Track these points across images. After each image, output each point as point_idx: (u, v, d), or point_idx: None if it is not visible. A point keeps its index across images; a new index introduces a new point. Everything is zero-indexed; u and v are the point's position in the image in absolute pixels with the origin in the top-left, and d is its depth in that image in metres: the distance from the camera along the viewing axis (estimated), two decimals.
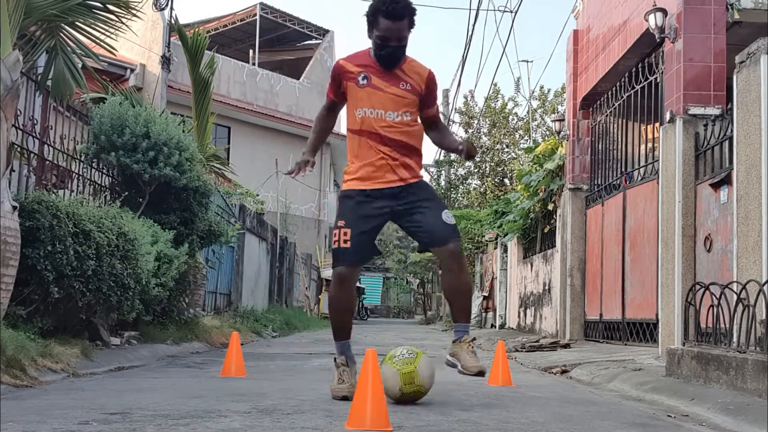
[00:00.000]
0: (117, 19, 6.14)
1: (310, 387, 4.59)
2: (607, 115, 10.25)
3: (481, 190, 27.11)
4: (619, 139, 9.81)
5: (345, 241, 3.84)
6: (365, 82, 3.93)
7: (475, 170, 27.87)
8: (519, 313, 15.12)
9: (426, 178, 29.66)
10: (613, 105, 9.90)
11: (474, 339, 4.03)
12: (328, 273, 24.72)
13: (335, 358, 4.02)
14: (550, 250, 12.43)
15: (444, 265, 3.98)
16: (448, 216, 3.90)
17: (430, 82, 4.01)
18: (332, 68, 4.07)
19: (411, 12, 3.89)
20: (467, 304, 3.99)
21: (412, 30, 3.93)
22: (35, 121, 6.14)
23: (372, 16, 3.89)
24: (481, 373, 3.86)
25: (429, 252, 4.10)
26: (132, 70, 14.06)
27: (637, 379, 5.23)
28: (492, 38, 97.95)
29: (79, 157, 7.04)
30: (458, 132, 28.35)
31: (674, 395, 4.41)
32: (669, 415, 3.84)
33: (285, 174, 4.62)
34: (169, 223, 7.72)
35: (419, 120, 4.08)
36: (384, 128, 3.89)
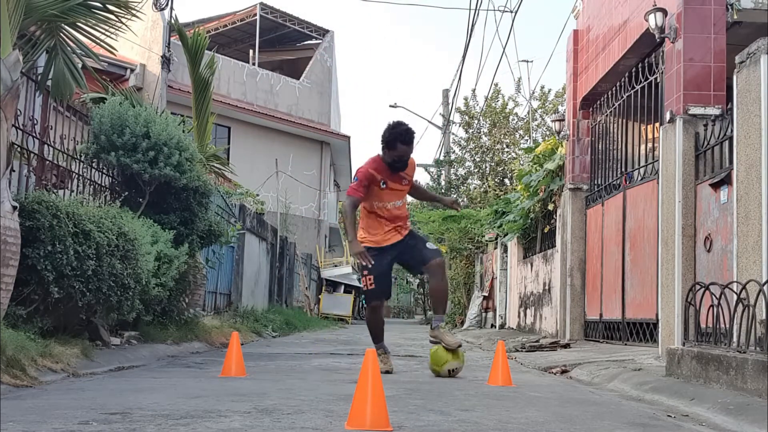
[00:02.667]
0: (117, 19, 6.14)
1: (310, 387, 4.59)
2: (607, 115, 10.25)
3: (482, 189, 27.11)
4: (619, 139, 9.81)
5: (371, 284, 5.68)
6: (385, 186, 5.72)
7: (476, 170, 27.88)
8: (519, 313, 15.12)
9: (426, 178, 29.76)
10: (613, 105, 9.90)
11: (446, 324, 5.79)
12: (328, 273, 24.78)
13: (380, 350, 5.77)
14: (550, 250, 12.43)
15: (432, 274, 5.88)
16: (430, 244, 5.93)
17: (412, 166, 5.85)
18: (363, 174, 5.68)
19: (414, 138, 5.73)
20: (445, 301, 5.96)
21: None
22: (35, 121, 6.14)
23: (391, 142, 5.63)
24: (459, 346, 5.61)
25: (424, 274, 6.31)
26: (132, 70, 14.06)
27: (637, 379, 5.23)
28: (492, 38, 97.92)
29: (79, 157, 7.04)
30: (458, 132, 28.42)
31: (674, 395, 4.41)
32: (669, 415, 3.84)
33: (359, 264, 6.13)
34: (169, 223, 7.71)
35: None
36: (390, 211, 5.76)
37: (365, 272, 5.65)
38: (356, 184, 5.71)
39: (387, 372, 5.49)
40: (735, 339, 4.65)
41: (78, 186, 6.97)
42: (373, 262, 5.61)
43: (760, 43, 5.32)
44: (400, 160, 5.66)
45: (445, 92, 28.49)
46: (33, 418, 3.04)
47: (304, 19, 25.83)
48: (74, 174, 6.91)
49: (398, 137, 5.62)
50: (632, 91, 9.13)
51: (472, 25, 28.32)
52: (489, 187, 26.80)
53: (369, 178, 5.69)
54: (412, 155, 5.79)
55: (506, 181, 27.03)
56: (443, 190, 27.34)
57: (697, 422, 3.66)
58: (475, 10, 30.17)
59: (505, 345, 5.94)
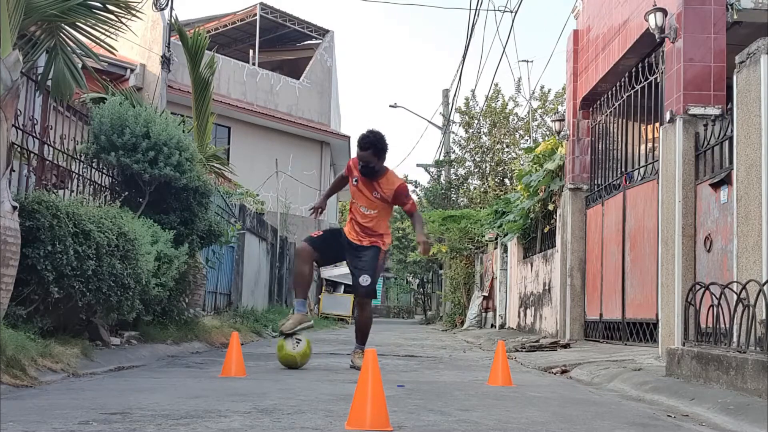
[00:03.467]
0: (117, 19, 6.13)
1: (310, 387, 4.59)
2: (607, 115, 10.25)
3: (482, 189, 27.11)
4: (619, 139, 9.81)
5: (316, 234, 6.17)
6: (356, 183, 6.04)
7: (476, 170, 27.88)
8: (519, 313, 15.12)
9: (426, 178, 29.78)
10: (613, 105, 9.90)
11: (363, 351, 5.73)
12: (328, 273, 24.74)
13: (292, 310, 6.10)
14: (550, 250, 12.43)
15: (356, 305, 6.64)
16: (365, 278, 5.96)
17: (398, 192, 5.98)
18: (350, 160, 6.17)
19: (374, 146, 5.84)
20: (364, 332, 6.16)
21: (381, 156, 5.91)
22: (35, 121, 6.14)
23: (357, 146, 5.92)
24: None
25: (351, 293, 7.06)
26: (132, 70, 14.07)
27: (637, 379, 5.23)
28: (492, 38, 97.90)
29: (79, 157, 7.03)
30: (458, 131, 28.42)
31: (674, 395, 4.41)
32: (669, 415, 3.84)
33: (308, 209, 6.73)
34: (169, 223, 7.71)
35: (389, 213, 6.25)
36: (360, 212, 6.06)
37: (323, 229, 6.48)
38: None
39: (280, 333, 5.98)
40: (735, 339, 4.65)
41: (78, 186, 6.97)
42: (332, 230, 6.38)
43: (760, 43, 5.32)
44: (364, 165, 5.90)
45: (445, 92, 28.49)
46: (33, 418, 3.04)
47: (304, 19, 25.82)
48: (74, 174, 6.91)
49: (358, 142, 5.92)
50: (632, 91, 9.13)
51: (472, 25, 28.36)
52: (489, 187, 26.81)
53: (349, 167, 6.16)
54: (398, 180, 6.04)
55: (506, 181, 27.03)
56: (443, 190, 27.35)
57: (697, 422, 3.66)
58: (475, 10, 30.18)
59: (505, 345, 5.94)
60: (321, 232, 6.24)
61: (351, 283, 6.27)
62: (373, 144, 5.87)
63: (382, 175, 5.98)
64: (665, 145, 7.18)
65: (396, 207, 6.55)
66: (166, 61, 13.05)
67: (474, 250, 21.12)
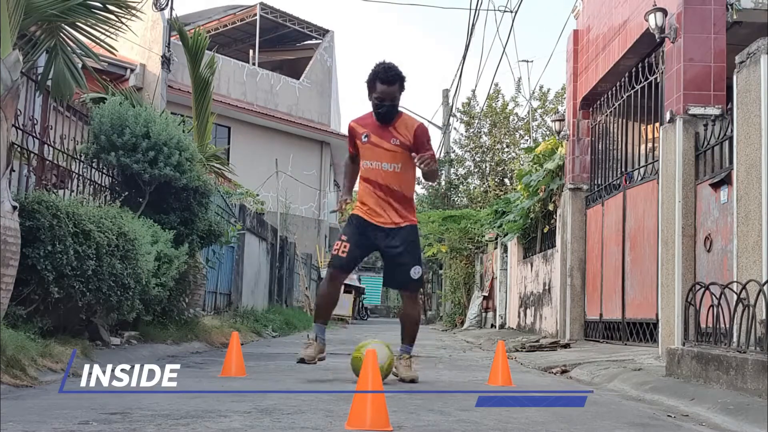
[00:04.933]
0: (117, 19, 6.13)
1: (310, 387, 4.59)
2: (607, 115, 10.25)
3: (482, 189, 27.11)
4: (619, 139, 9.81)
5: (343, 252, 5.03)
6: (366, 140, 5.05)
7: (476, 170, 27.88)
8: (519, 313, 15.12)
9: None
10: (613, 105, 9.90)
11: (412, 356, 5.18)
12: None
13: (308, 335, 5.29)
14: (550, 250, 12.43)
15: (403, 300, 5.34)
16: (415, 270, 5.04)
17: (418, 133, 5.01)
18: (348, 128, 5.20)
19: (401, 78, 4.99)
20: (412, 330, 5.17)
21: (403, 92, 5.03)
22: (35, 121, 6.14)
23: (371, 82, 4.97)
24: (413, 381, 4.97)
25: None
26: (132, 70, 14.04)
27: (637, 379, 5.23)
28: (492, 38, 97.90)
29: (79, 157, 7.03)
30: (459, 128, 28.43)
31: (674, 395, 4.41)
32: (669, 415, 3.84)
33: (331, 212, 5.94)
34: (169, 223, 7.71)
35: (414, 169, 5.13)
36: (381, 178, 5.00)
37: (343, 236, 5.07)
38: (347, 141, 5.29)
39: (301, 360, 5.03)
40: (735, 339, 4.65)
41: (78, 186, 6.97)
42: (352, 231, 5.04)
43: (760, 43, 5.32)
44: (382, 104, 4.93)
45: (445, 92, 28.48)
46: (33, 418, 3.04)
47: (304, 19, 25.83)
48: (74, 174, 6.91)
49: (377, 75, 4.94)
50: (632, 91, 9.12)
51: (472, 25, 28.32)
52: (489, 187, 26.80)
53: (351, 131, 5.17)
54: (415, 121, 5.07)
55: (506, 181, 27.03)
56: (443, 190, 27.35)
57: (697, 422, 3.66)
58: (475, 10, 30.15)
59: (505, 345, 5.94)
60: (345, 245, 5.02)
61: (387, 280, 5.26)
62: (401, 77, 4.98)
63: (397, 118, 5.06)
64: (665, 145, 7.18)
65: None
66: (166, 61, 13.05)
67: (474, 250, 21.12)
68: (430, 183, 5.73)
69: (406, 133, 5.00)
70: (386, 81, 4.93)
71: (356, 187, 5.45)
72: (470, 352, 9.63)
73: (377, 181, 5.01)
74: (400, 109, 5.07)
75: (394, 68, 4.96)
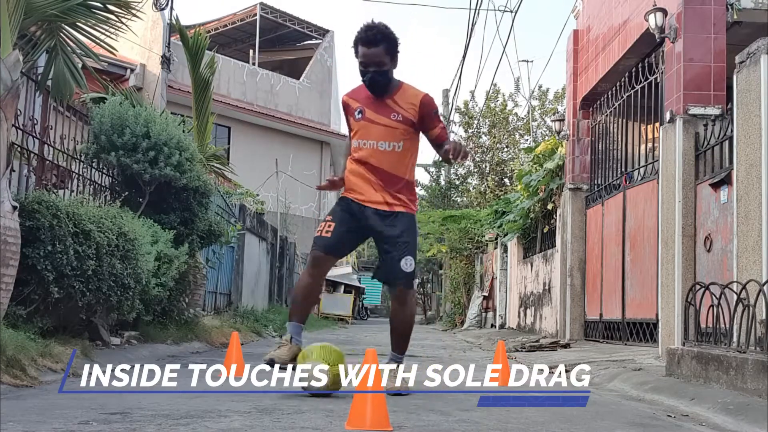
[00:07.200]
0: (117, 19, 6.13)
1: None
2: (607, 115, 10.25)
3: (481, 189, 27.11)
4: (619, 139, 9.81)
5: (327, 231, 4.25)
6: (360, 116, 4.25)
7: (475, 170, 27.87)
8: (519, 313, 15.12)
9: (426, 178, 29.68)
10: (613, 105, 9.90)
11: (398, 366, 4.34)
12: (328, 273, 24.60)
13: (281, 336, 4.32)
14: (550, 250, 12.43)
15: (392, 299, 4.39)
16: (407, 261, 4.19)
17: (424, 106, 4.21)
18: (341, 105, 4.41)
19: (387, 38, 4.15)
20: (404, 336, 4.36)
21: (394, 57, 4.21)
22: (35, 121, 6.14)
23: (354, 46, 4.19)
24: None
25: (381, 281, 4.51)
26: (132, 70, 14.04)
27: (637, 379, 5.23)
28: (492, 38, 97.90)
29: (79, 157, 7.03)
30: (458, 131, 28.39)
31: (674, 395, 4.41)
32: (669, 415, 3.84)
33: (316, 188, 5.01)
34: (169, 223, 7.71)
35: (417, 149, 4.37)
36: (375, 160, 4.20)
37: (328, 217, 4.31)
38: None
39: (270, 361, 4.21)
40: (735, 339, 4.65)
41: (78, 186, 6.97)
42: (338, 210, 4.32)
43: (760, 43, 5.32)
44: (366, 70, 4.14)
45: (445, 92, 28.48)
46: (33, 418, 3.04)
47: (304, 19, 25.82)
48: (74, 174, 6.91)
49: (358, 39, 4.17)
50: (632, 91, 9.12)
51: (472, 25, 28.28)
52: (489, 187, 26.79)
53: (345, 108, 4.38)
54: (420, 92, 4.26)
55: (506, 181, 27.02)
56: (443, 190, 27.34)
57: (697, 422, 3.66)
58: (475, 9, 30.14)
59: (505, 345, 5.94)
60: (330, 224, 4.25)
61: (376, 271, 4.39)
62: (386, 36, 4.15)
63: (396, 89, 4.25)
64: (665, 145, 7.18)
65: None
66: (166, 61, 13.05)
67: (474, 250, 21.12)
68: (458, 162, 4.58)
69: (409, 107, 4.20)
70: (367, 42, 4.13)
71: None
72: (470, 352, 9.63)
73: (371, 163, 4.21)
74: (400, 79, 4.29)
75: (376, 26, 4.15)
